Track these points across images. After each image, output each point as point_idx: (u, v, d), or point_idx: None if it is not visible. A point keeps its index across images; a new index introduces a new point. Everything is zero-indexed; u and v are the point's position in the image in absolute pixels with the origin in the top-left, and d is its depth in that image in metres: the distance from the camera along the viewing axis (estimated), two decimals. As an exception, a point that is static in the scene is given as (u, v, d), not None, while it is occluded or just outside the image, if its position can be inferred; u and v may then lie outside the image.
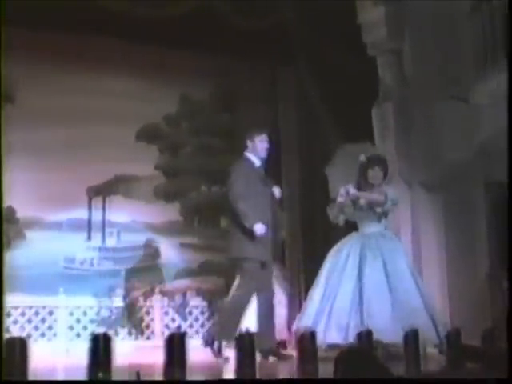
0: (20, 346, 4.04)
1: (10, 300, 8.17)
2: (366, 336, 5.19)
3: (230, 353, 5.54)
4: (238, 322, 6.31)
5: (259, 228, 6.39)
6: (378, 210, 6.66)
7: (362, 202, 6.65)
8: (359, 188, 6.74)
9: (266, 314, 6.48)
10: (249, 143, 6.66)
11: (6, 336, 4.25)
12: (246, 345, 4.46)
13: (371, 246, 6.57)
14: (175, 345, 4.29)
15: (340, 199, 6.67)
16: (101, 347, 4.13)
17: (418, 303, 6.35)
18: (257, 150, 6.64)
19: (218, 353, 6.25)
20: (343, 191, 6.65)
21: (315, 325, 6.23)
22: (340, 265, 6.55)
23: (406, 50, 7.89)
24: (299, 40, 8.39)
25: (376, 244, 6.59)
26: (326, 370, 4.21)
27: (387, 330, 5.85)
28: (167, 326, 8.73)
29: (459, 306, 6.84)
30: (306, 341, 4.78)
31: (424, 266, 7.45)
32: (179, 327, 4.39)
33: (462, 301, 7.09)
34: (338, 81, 8.11)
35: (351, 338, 5.73)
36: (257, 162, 6.66)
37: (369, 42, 7.94)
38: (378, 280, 6.39)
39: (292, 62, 8.78)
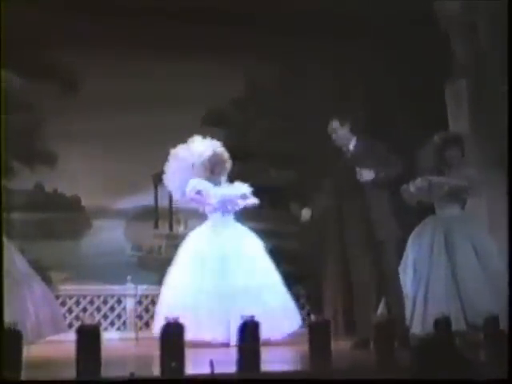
0: (92, 334, 3.96)
1: (79, 288, 8.22)
2: (444, 324, 5.03)
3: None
4: None
5: (305, 213, 6.39)
6: (462, 195, 6.44)
7: (446, 188, 6.39)
8: (438, 172, 6.48)
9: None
10: None
11: (76, 324, 4.17)
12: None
13: (456, 230, 6.30)
14: (248, 332, 4.19)
15: (413, 190, 6.38)
16: (172, 336, 4.03)
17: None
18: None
19: None
20: (423, 184, 6.35)
21: (409, 312, 6.11)
22: (425, 250, 6.31)
23: (480, 24, 7.60)
24: (367, 17, 8.14)
25: (461, 227, 6.33)
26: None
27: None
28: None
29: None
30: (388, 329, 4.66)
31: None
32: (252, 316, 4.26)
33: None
34: (410, 58, 7.89)
35: (455, 326, 5.55)
36: None
37: (442, 16, 7.68)
38: (471, 264, 6.15)
39: (359, 39, 8.53)
